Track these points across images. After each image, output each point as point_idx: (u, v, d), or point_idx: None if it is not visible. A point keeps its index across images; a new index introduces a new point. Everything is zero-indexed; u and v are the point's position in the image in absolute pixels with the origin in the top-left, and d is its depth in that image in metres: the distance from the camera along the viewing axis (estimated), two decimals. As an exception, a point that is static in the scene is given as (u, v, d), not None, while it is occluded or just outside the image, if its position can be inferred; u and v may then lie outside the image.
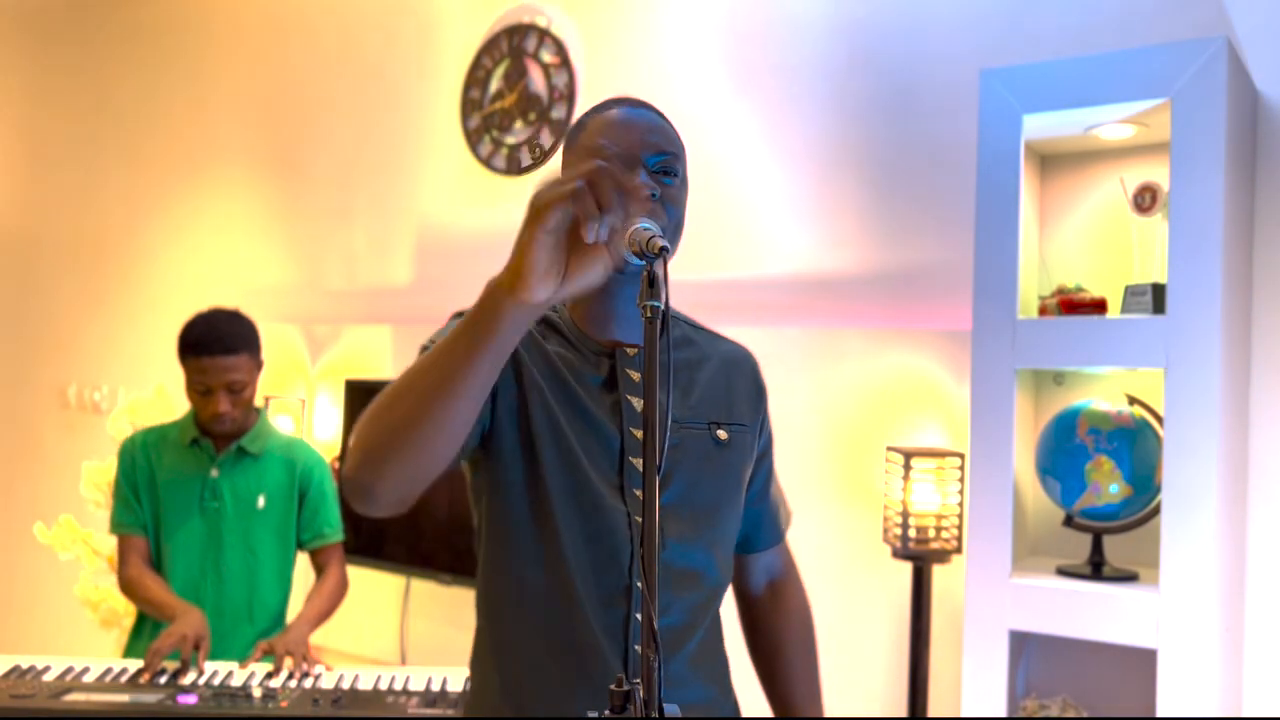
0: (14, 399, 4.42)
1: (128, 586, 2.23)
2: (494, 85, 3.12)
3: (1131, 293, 1.95)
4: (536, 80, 3.05)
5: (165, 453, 2.29)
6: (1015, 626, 1.92)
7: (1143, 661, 1.94)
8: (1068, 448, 1.97)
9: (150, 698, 1.86)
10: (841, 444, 2.44)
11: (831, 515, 2.42)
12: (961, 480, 2.13)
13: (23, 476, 4.36)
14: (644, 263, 0.96)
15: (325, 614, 2.25)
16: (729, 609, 1.40)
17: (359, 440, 1.03)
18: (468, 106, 3.17)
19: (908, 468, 2.13)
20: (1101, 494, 1.95)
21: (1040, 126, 2.01)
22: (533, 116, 3.04)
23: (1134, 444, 1.93)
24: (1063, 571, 1.99)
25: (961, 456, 2.14)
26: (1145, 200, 2.00)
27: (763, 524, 1.41)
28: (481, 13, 3.17)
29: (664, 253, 0.95)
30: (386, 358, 3.27)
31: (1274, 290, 2.02)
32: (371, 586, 3.12)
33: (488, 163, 3.12)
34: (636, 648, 0.92)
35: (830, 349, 2.47)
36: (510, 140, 3.08)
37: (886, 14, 2.48)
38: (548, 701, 1.19)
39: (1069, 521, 2.03)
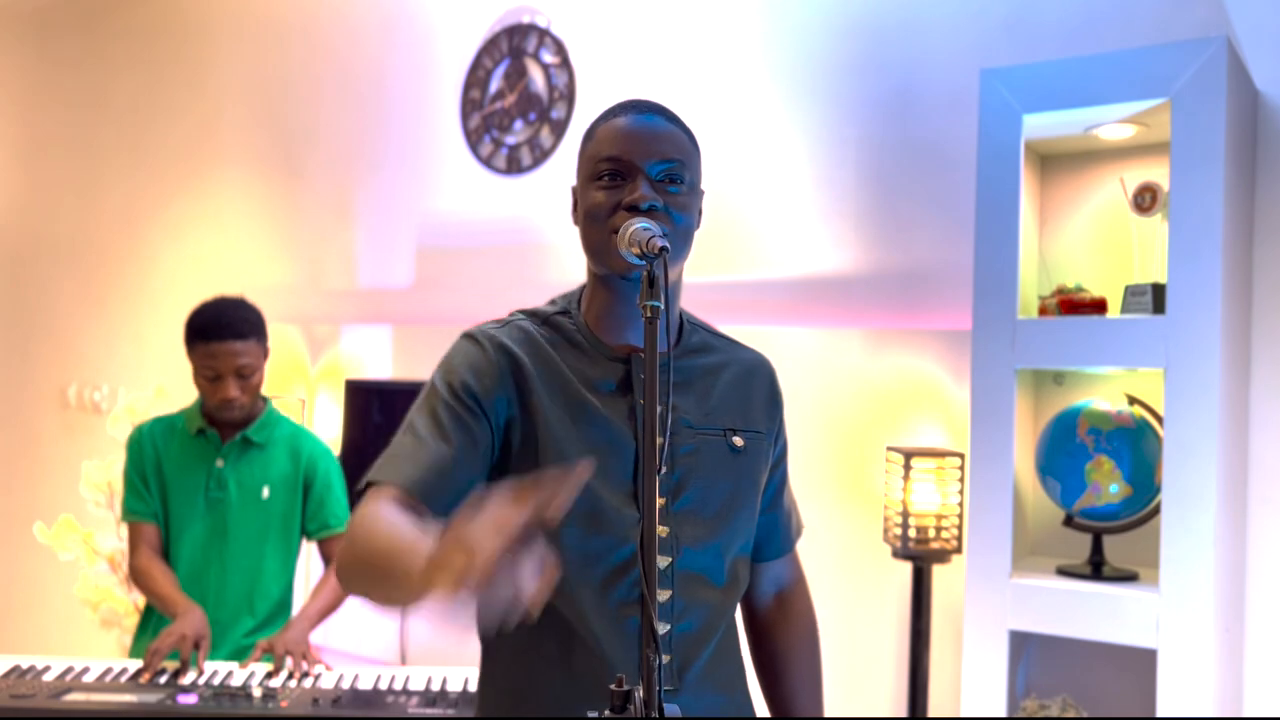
0: (14, 399, 4.41)
1: (136, 576, 2.24)
2: (494, 85, 3.12)
3: (1131, 293, 1.95)
4: (536, 80, 3.05)
5: (172, 442, 2.30)
6: (1015, 626, 1.92)
7: (1143, 661, 1.94)
8: (1068, 448, 1.97)
9: (150, 697, 1.86)
10: (841, 444, 2.44)
11: (831, 515, 2.42)
12: (961, 480, 2.13)
13: (23, 476, 4.35)
14: (644, 263, 0.95)
15: (329, 609, 2.25)
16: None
17: (342, 568, 1.08)
18: (468, 106, 3.17)
19: (908, 468, 2.13)
20: (1101, 494, 1.95)
21: (1040, 126, 2.01)
22: (533, 116, 3.04)
23: (1134, 444, 1.93)
24: (1063, 571, 1.99)
25: (961, 456, 2.13)
26: (1145, 200, 2.00)
27: (773, 533, 1.40)
28: (481, 13, 3.17)
29: (664, 253, 0.95)
30: (386, 358, 3.27)
31: (1274, 290, 2.02)
32: (371, 586, 3.11)
33: (488, 163, 3.12)
34: (652, 655, 0.91)
35: (830, 349, 2.47)
36: (510, 140, 3.08)
37: (886, 14, 2.48)
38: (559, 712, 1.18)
39: (1069, 521, 2.03)
